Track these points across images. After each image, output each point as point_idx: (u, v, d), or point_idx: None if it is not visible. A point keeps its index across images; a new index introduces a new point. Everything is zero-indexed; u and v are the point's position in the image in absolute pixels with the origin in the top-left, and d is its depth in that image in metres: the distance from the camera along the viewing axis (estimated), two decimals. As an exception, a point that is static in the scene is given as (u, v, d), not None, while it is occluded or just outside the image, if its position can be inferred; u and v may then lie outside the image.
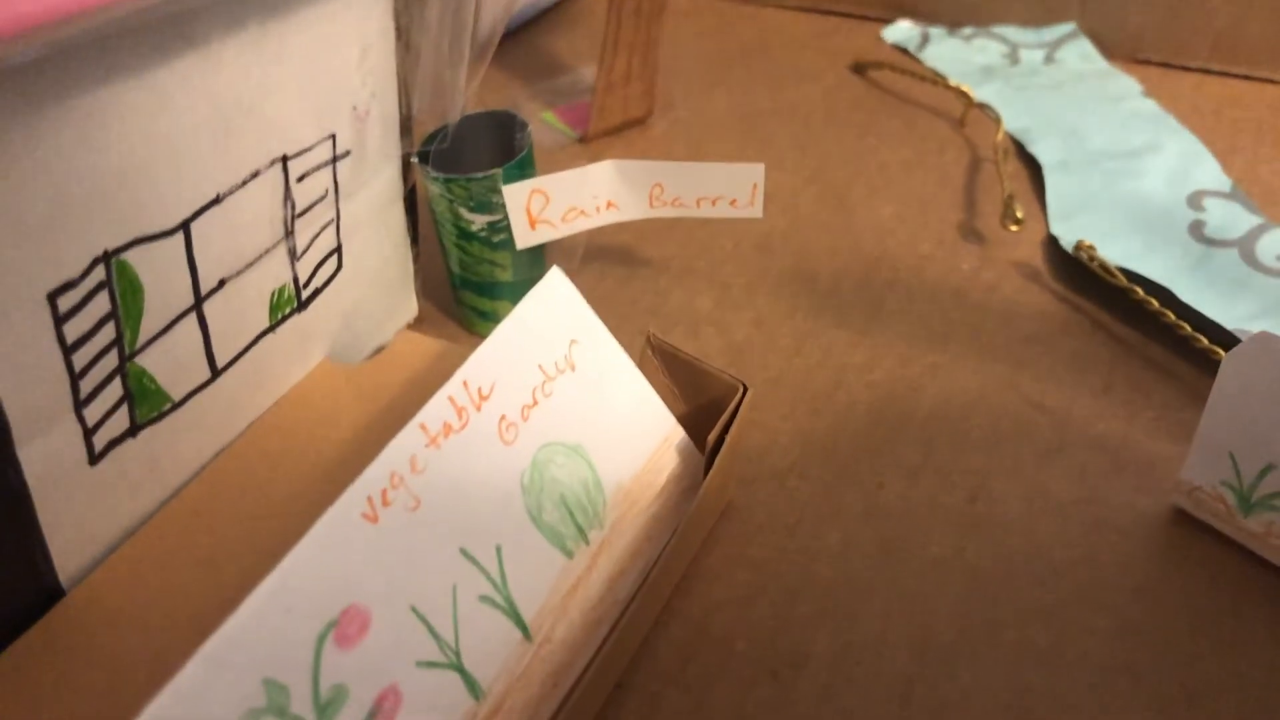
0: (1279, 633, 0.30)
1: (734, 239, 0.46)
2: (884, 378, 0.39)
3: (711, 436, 0.30)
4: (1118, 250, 0.44)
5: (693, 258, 0.45)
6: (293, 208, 0.32)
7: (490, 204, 0.38)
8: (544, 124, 0.55)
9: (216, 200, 0.29)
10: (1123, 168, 0.49)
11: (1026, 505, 0.34)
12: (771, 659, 0.30)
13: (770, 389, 0.38)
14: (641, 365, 0.31)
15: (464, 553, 0.25)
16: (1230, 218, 0.46)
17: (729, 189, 0.39)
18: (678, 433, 0.31)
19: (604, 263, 0.45)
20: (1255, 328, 0.40)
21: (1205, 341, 0.38)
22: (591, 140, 0.53)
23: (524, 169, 0.38)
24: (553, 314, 0.29)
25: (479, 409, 0.26)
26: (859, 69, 0.59)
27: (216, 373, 0.31)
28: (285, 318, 0.34)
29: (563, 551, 0.27)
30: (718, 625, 0.31)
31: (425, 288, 0.41)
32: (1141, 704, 0.29)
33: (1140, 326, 0.41)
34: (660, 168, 0.40)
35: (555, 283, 0.29)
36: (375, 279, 0.38)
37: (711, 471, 0.30)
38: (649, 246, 0.45)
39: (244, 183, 0.30)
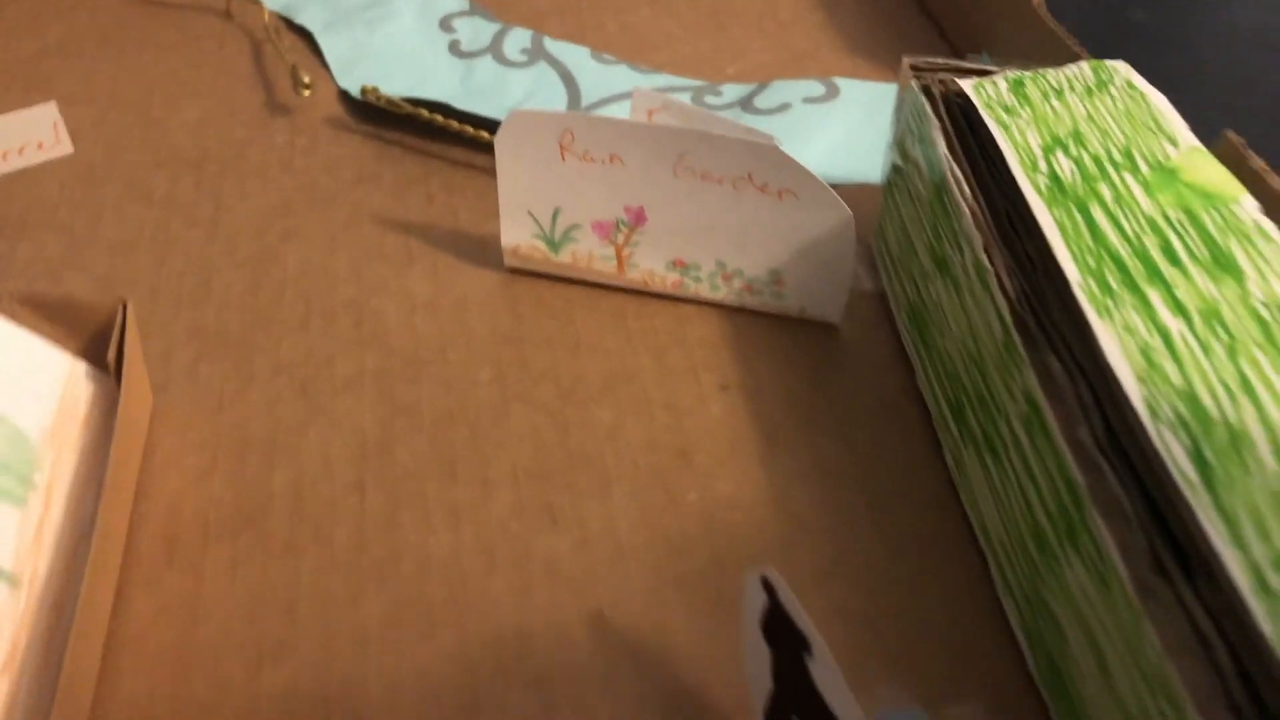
0: (612, 322, 0.40)
1: (58, 182, 0.46)
2: (248, 255, 0.43)
3: (110, 356, 0.33)
4: (398, 85, 0.50)
5: (23, 211, 0.45)
6: None
7: None
8: None
9: None
10: (379, 15, 0.56)
11: (400, 310, 0.41)
12: (244, 511, 0.34)
13: (149, 303, 0.41)
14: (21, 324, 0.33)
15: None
16: (476, 30, 0.55)
17: (30, 134, 0.40)
18: (79, 365, 0.34)
19: (-70, 249, 0.43)
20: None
21: (489, 135, 0.46)
22: None
23: None
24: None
25: None
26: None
27: None
28: None
29: (14, 502, 0.29)
30: (186, 508, 0.34)
31: None
32: (543, 407, 0.37)
33: (439, 140, 0.48)
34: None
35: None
36: None
37: (123, 387, 0.33)
38: (-30, 218, 0.45)
39: None
